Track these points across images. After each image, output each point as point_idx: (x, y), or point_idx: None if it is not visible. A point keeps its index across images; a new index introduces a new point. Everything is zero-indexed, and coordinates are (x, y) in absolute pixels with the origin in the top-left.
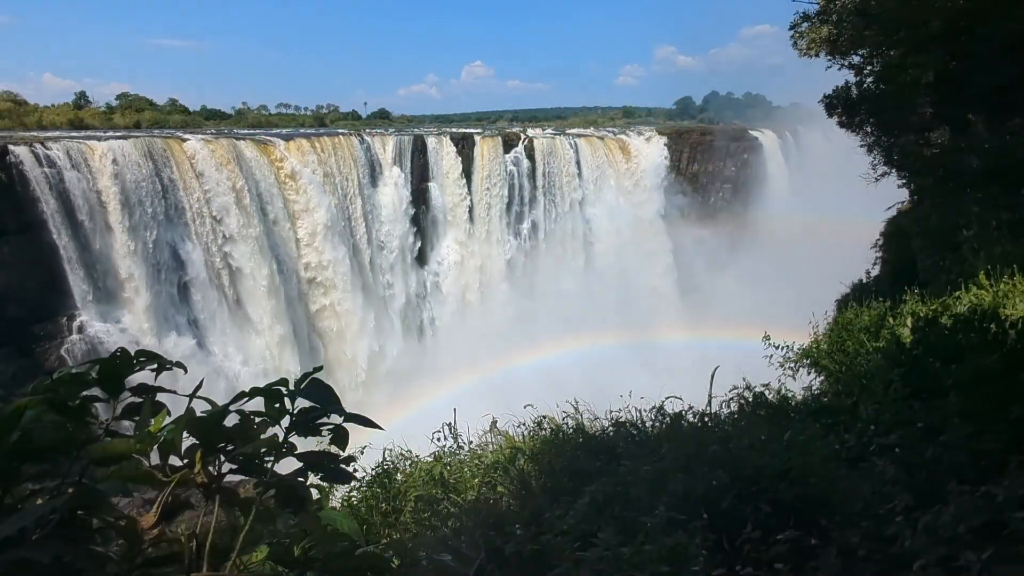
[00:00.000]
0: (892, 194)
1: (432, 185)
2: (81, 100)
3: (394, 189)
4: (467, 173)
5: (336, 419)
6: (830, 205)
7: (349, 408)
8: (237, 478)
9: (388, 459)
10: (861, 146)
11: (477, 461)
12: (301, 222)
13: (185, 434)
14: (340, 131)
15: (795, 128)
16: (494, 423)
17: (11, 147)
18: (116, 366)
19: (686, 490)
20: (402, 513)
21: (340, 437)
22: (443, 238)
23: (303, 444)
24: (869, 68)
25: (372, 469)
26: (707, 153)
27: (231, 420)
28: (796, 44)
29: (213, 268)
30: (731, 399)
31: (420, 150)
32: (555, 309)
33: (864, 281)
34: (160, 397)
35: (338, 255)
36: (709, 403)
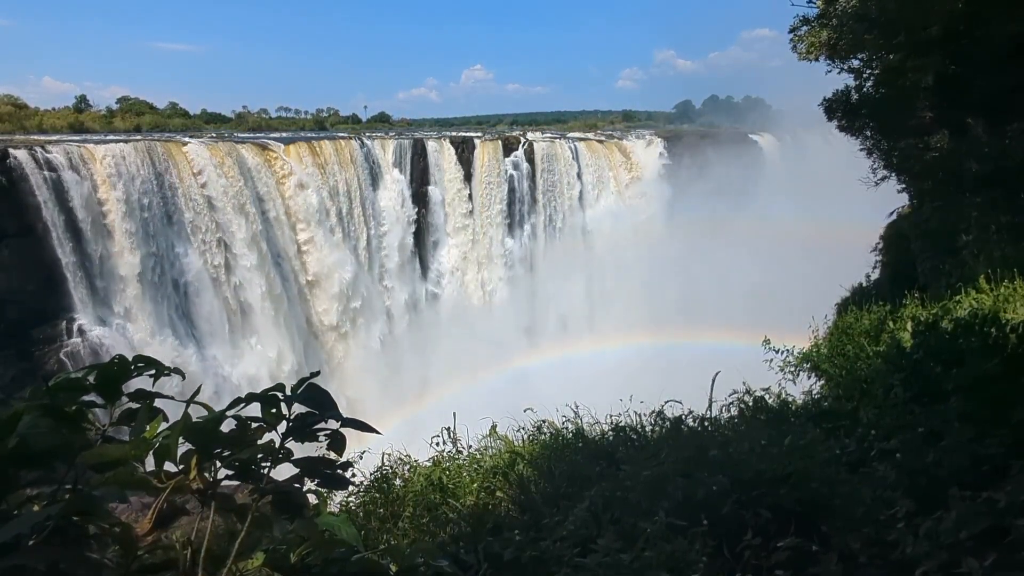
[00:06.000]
0: (892, 198)
1: (432, 188)
2: (81, 103)
3: (394, 192)
4: (467, 176)
5: (333, 424)
6: (830, 208)
7: (347, 413)
8: (233, 484)
9: (387, 464)
10: (861, 150)
11: (476, 466)
12: (301, 226)
13: (182, 439)
14: (340, 134)
15: (795, 132)
16: (493, 427)
17: (11, 150)
18: (114, 372)
19: (686, 495)
20: (400, 518)
21: (337, 442)
22: (443, 241)
23: (300, 449)
24: (869, 72)
25: (370, 474)
26: (707, 157)
27: (228, 425)
28: (796, 48)
29: (212, 272)
30: (731, 403)
31: (420, 153)
32: (555, 312)
33: (864, 285)
34: (158, 402)
35: (338, 258)
36: (709, 407)
